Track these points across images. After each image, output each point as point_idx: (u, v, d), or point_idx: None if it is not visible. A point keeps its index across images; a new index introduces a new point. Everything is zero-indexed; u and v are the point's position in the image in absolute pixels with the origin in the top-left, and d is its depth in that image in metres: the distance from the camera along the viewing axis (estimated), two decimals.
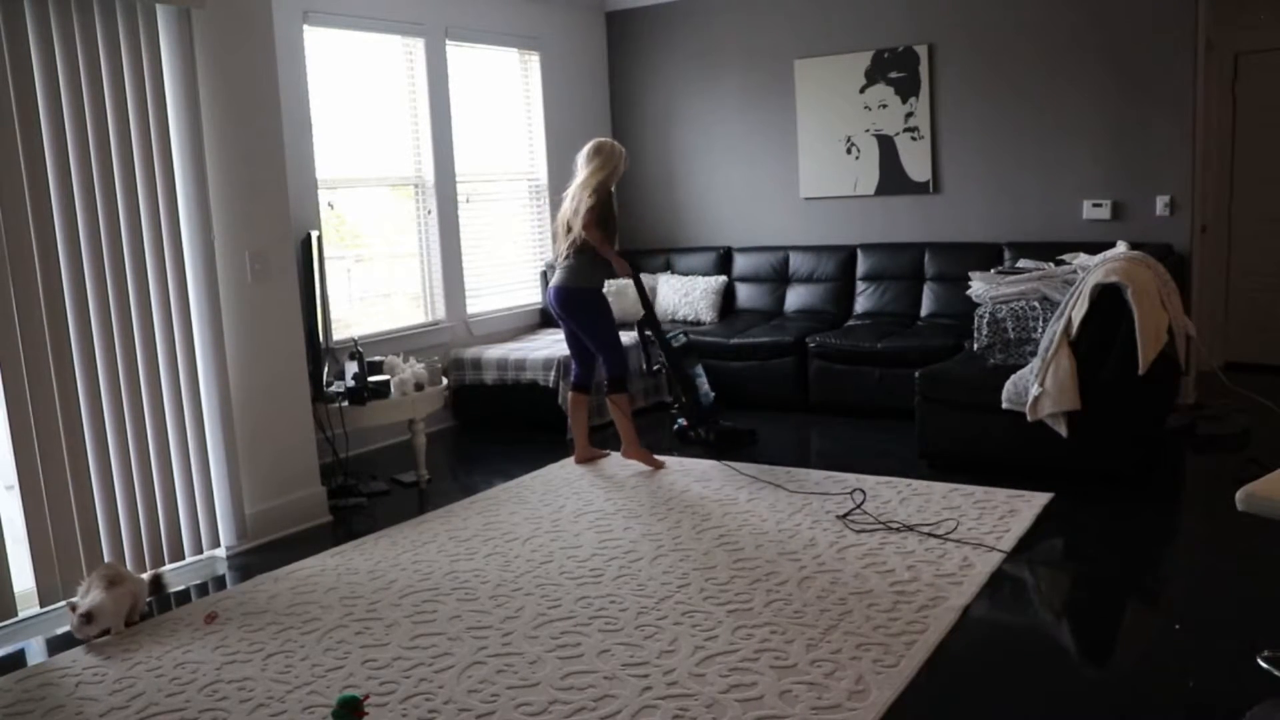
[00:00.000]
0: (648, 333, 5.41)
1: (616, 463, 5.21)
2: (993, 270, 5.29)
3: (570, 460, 5.34)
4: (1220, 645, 3.00)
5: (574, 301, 5.03)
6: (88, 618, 3.39)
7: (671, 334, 5.52)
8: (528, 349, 6.10)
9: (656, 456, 5.12)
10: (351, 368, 4.91)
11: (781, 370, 6.13)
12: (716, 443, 5.38)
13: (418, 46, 6.07)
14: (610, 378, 5.09)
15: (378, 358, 5.20)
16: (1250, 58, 6.43)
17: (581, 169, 5.01)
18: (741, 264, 7.01)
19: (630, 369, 5.10)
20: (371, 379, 4.93)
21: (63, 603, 3.69)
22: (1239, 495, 2.83)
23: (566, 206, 5.03)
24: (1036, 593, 3.58)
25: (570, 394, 5.31)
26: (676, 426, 5.62)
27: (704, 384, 5.57)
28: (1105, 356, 4.40)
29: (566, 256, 5.02)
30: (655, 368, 5.55)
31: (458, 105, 6.34)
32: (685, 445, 5.48)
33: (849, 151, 6.65)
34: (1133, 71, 5.74)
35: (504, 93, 6.80)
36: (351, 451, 5.21)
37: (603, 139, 5.14)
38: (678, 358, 5.42)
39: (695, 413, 5.43)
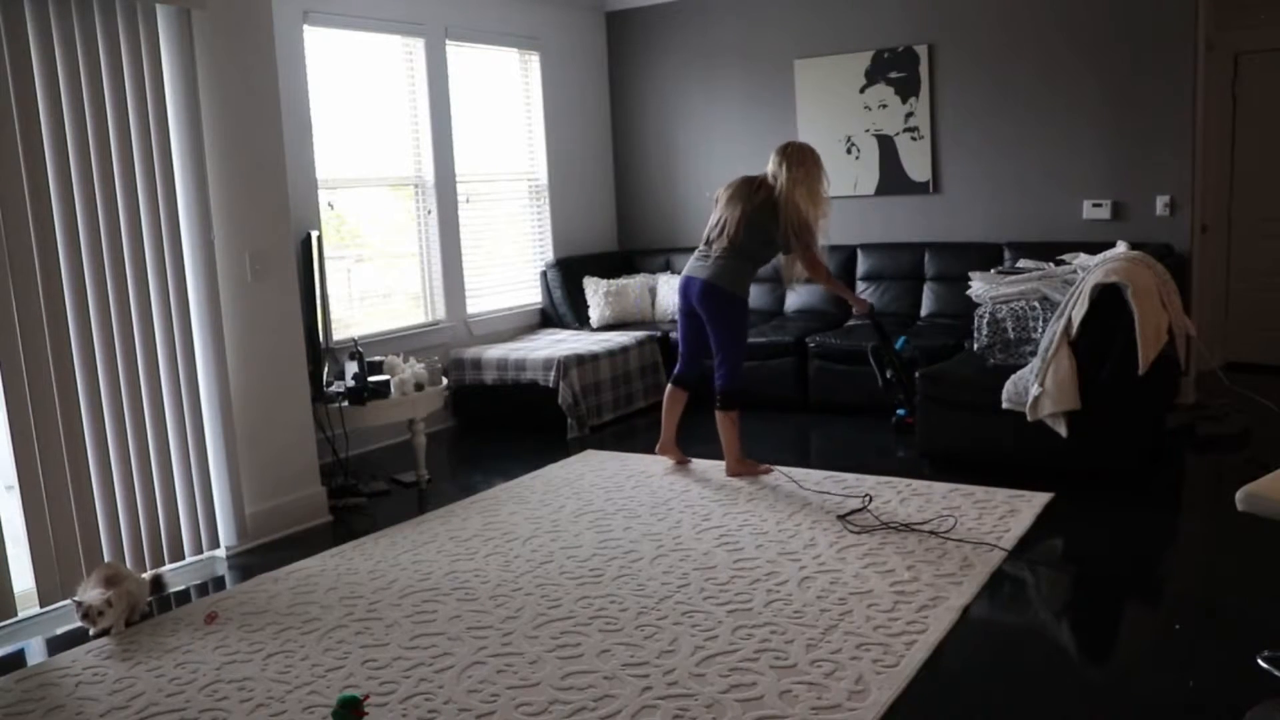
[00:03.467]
0: (882, 353, 5.47)
1: (620, 464, 5.21)
2: (993, 270, 5.29)
3: (570, 460, 5.34)
4: (1220, 645, 3.00)
5: (719, 301, 4.71)
6: (101, 611, 3.42)
7: (899, 343, 5.60)
8: (528, 349, 6.10)
9: (761, 465, 4.91)
10: (351, 368, 4.91)
11: (781, 370, 6.13)
12: None
13: (418, 46, 6.07)
14: (723, 390, 4.80)
15: (378, 358, 5.20)
16: (1250, 58, 6.44)
17: (795, 178, 4.61)
18: None
19: (744, 385, 4.90)
20: (371, 379, 4.93)
21: (63, 602, 3.70)
22: (1239, 495, 2.83)
23: (759, 206, 4.65)
24: (1036, 593, 3.58)
25: (669, 387, 5.08)
26: (895, 419, 5.61)
27: None
28: (1105, 356, 4.40)
29: (721, 255, 4.69)
30: (889, 376, 5.51)
31: (458, 105, 6.34)
32: (901, 434, 5.49)
33: (849, 151, 6.65)
34: (1133, 71, 5.74)
35: (504, 93, 6.80)
36: (351, 451, 5.21)
37: (806, 144, 4.77)
38: (909, 367, 5.46)
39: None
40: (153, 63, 3.92)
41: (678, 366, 5.08)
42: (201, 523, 4.17)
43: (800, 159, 4.66)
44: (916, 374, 5.40)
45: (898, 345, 5.57)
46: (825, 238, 4.88)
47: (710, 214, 4.89)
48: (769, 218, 4.67)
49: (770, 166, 4.71)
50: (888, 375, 5.55)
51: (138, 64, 3.86)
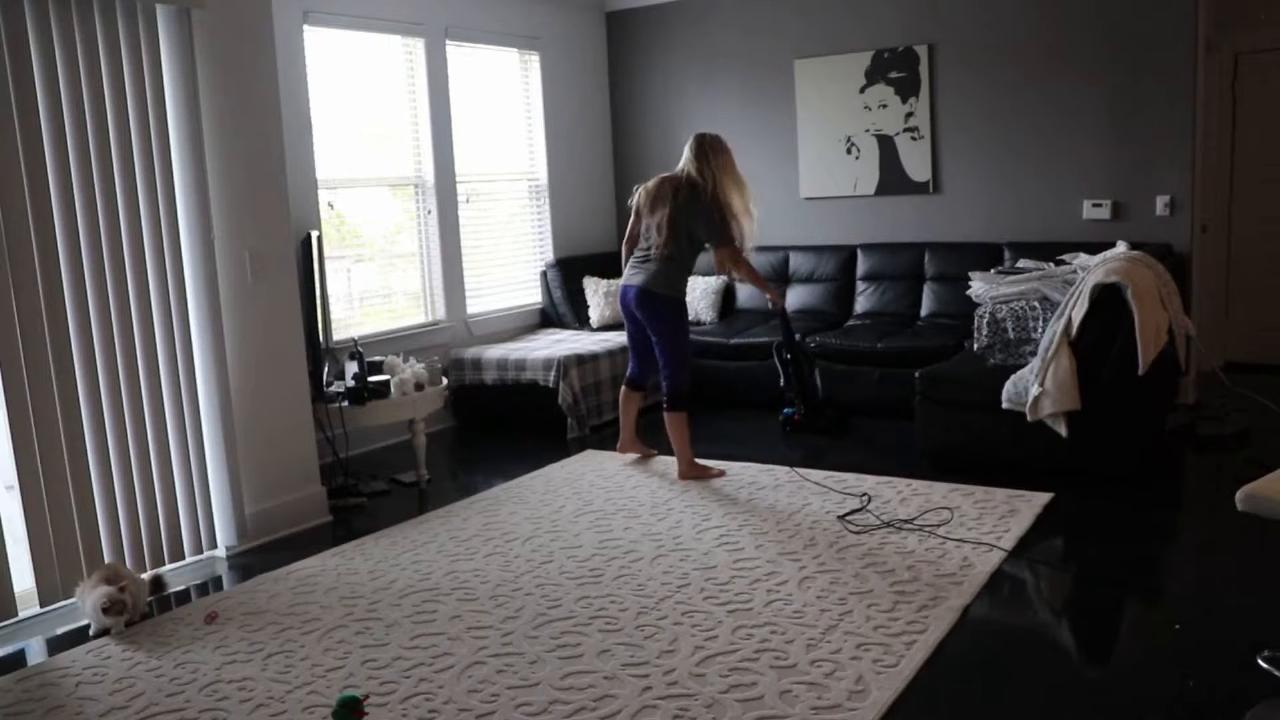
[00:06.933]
0: (787, 355, 5.66)
1: (622, 463, 5.21)
2: (993, 270, 5.29)
3: (570, 460, 5.34)
4: (1220, 645, 3.00)
5: (656, 306, 4.78)
6: (125, 602, 3.45)
7: (800, 343, 5.81)
8: (528, 349, 6.10)
9: (713, 466, 4.95)
10: (351, 368, 4.91)
11: None
12: (828, 429, 5.64)
13: (418, 46, 6.07)
14: (670, 392, 4.85)
15: (378, 358, 5.20)
16: (1250, 58, 6.44)
17: (714, 161, 4.68)
18: None
19: (691, 385, 4.97)
20: (371, 379, 4.93)
21: (64, 602, 3.71)
22: (1239, 495, 2.83)
23: (684, 204, 4.68)
24: (1036, 593, 3.58)
25: (623, 389, 5.22)
26: (783, 417, 5.77)
27: (818, 382, 5.83)
28: (1105, 356, 4.40)
29: (654, 259, 4.75)
30: (791, 374, 5.71)
31: (458, 105, 6.33)
32: (792, 432, 5.69)
33: (849, 151, 6.65)
34: (1133, 72, 5.74)
35: (504, 93, 6.80)
36: (351, 451, 5.21)
37: (717, 135, 4.82)
38: (811, 367, 5.78)
39: (812, 403, 5.71)
40: (153, 63, 3.92)
41: (629, 370, 5.22)
42: (201, 523, 4.17)
43: (717, 148, 4.74)
44: (815, 371, 5.82)
45: (802, 344, 5.78)
46: (755, 229, 4.86)
47: (629, 219, 4.98)
48: (694, 215, 4.71)
49: (687, 163, 4.78)
50: (790, 374, 5.70)
51: (138, 64, 3.86)
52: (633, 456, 5.26)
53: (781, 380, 5.75)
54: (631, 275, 4.88)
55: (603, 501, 4.61)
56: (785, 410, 5.77)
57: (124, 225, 3.85)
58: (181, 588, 3.95)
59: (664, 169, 7.27)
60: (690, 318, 6.65)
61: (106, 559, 3.81)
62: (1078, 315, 4.44)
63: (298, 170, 5.22)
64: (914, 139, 6.42)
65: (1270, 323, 6.52)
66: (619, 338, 6.33)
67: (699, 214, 4.72)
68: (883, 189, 6.59)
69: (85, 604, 3.52)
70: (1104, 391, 4.37)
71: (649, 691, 2.86)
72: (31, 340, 3.59)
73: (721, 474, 4.91)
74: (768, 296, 5.37)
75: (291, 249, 4.56)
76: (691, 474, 4.89)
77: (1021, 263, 5.35)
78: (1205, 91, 5.75)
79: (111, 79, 3.79)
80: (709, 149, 4.75)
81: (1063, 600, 3.56)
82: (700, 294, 6.77)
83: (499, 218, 6.81)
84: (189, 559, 4.16)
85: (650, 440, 5.39)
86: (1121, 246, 5.18)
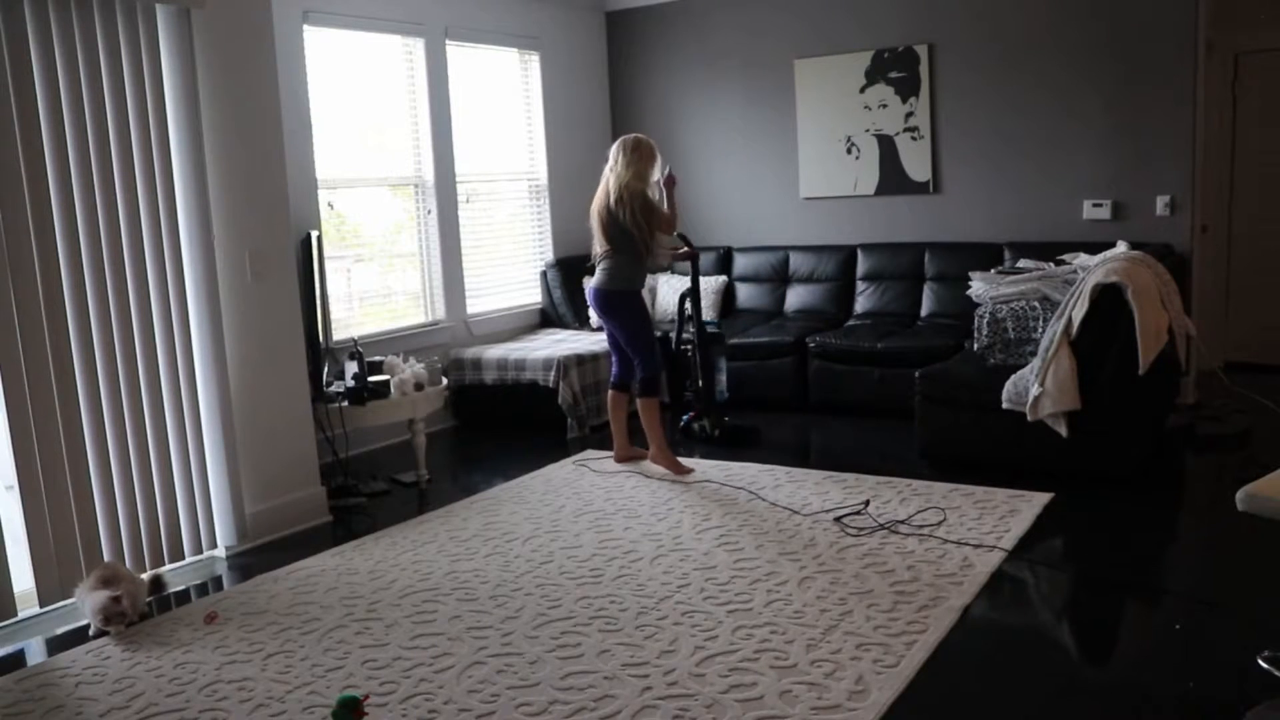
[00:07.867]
0: (686, 306, 5.59)
1: (627, 463, 5.21)
2: (993, 270, 5.30)
3: (570, 460, 5.34)
4: (1220, 645, 3.00)
5: (612, 303, 4.99)
6: (123, 611, 3.45)
7: (708, 321, 5.72)
8: (528, 349, 6.11)
9: (683, 462, 5.03)
10: (351, 368, 4.91)
11: (781, 370, 6.13)
12: (721, 439, 5.51)
13: (418, 46, 6.07)
14: (643, 379, 5.02)
15: (378, 358, 5.20)
16: (1250, 58, 6.44)
17: (624, 166, 4.89)
18: (741, 264, 7.01)
19: (661, 372, 5.12)
20: (371, 379, 4.93)
21: (64, 602, 3.71)
22: (1239, 495, 2.83)
23: (606, 205, 4.89)
24: (1036, 593, 3.58)
25: (610, 393, 5.27)
26: (683, 422, 5.67)
27: (723, 380, 5.71)
28: (1105, 356, 4.40)
29: (603, 259, 4.97)
30: (684, 347, 5.64)
31: (458, 105, 6.33)
32: (690, 441, 5.56)
33: (849, 151, 6.65)
34: (1133, 72, 5.74)
35: (504, 93, 6.80)
36: (351, 451, 5.21)
37: (640, 135, 5.07)
38: (707, 342, 5.55)
39: (707, 402, 5.57)
40: (153, 63, 3.92)
41: (613, 373, 5.26)
42: (201, 523, 4.17)
43: (630, 148, 4.93)
44: (721, 362, 5.68)
45: (709, 323, 5.68)
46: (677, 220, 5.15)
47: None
48: (623, 210, 4.87)
49: (607, 169, 4.98)
50: (683, 345, 5.60)
51: (138, 64, 3.86)
52: (633, 463, 5.22)
53: (673, 338, 5.68)
54: (592, 280, 5.07)
55: (603, 501, 4.61)
56: (684, 417, 5.70)
57: (124, 225, 3.85)
58: (181, 588, 3.94)
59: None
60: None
61: (106, 559, 3.81)
62: (1078, 315, 4.44)
63: (298, 170, 5.22)
64: (914, 139, 6.42)
65: (1270, 323, 6.52)
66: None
67: (625, 209, 4.85)
68: (883, 189, 6.59)
69: (84, 604, 3.52)
70: (1104, 391, 4.37)
71: (649, 691, 2.86)
72: (31, 340, 3.59)
73: (690, 471, 4.96)
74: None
75: (291, 249, 4.56)
76: (662, 460, 5.00)
77: (1021, 263, 5.35)
78: (1205, 91, 5.75)
79: (111, 79, 3.78)
80: (621, 150, 4.95)
81: (1063, 600, 3.56)
82: (700, 294, 6.75)
83: (499, 218, 6.81)
84: (189, 559, 4.16)
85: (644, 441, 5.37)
86: (1121, 246, 5.18)
